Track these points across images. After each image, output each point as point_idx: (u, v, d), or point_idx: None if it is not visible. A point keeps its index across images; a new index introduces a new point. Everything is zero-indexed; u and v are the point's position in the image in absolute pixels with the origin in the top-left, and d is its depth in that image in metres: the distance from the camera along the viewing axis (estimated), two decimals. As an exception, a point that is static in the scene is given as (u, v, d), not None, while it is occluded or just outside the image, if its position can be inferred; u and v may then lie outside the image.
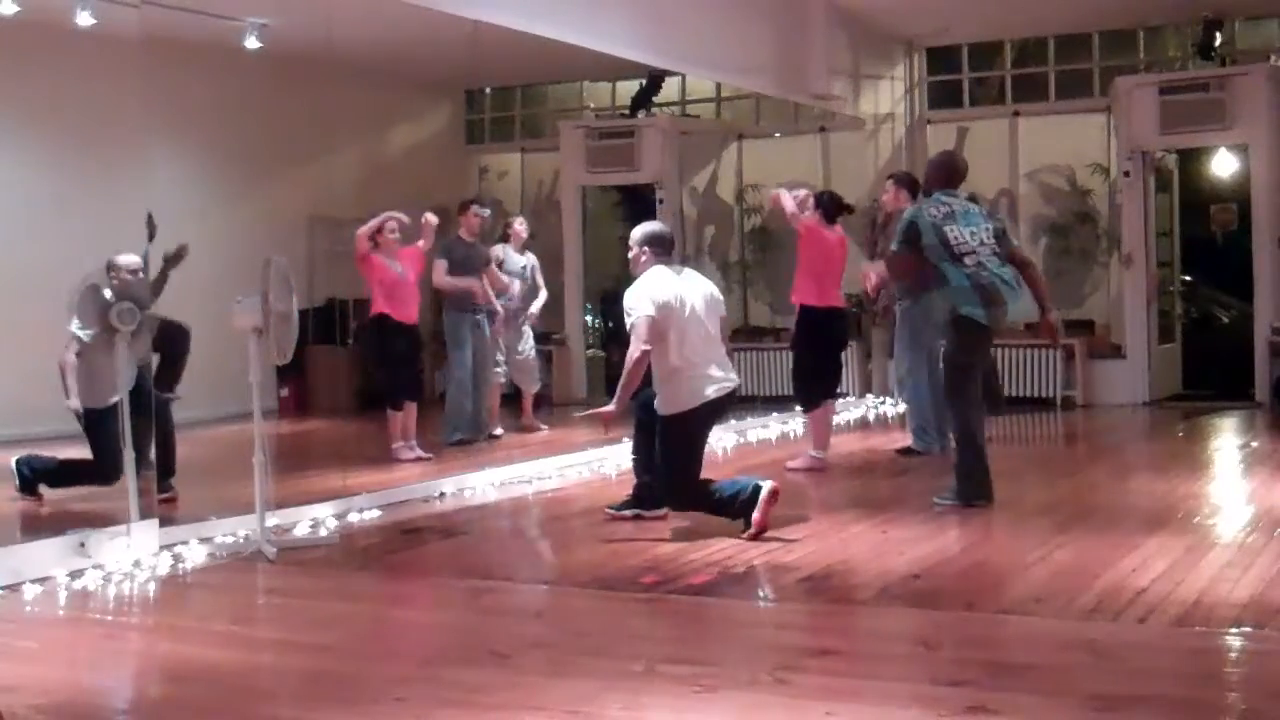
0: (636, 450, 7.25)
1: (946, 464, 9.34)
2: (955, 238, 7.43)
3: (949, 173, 7.82)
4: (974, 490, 7.46)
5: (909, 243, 7.53)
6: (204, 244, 9.66)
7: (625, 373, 6.61)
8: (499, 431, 10.84)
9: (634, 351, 6.55)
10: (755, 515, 6.49)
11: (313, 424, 9.84)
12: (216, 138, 12.10)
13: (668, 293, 6.62)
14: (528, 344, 11.31)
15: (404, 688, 4.26)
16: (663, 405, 6.70)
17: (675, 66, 12.40)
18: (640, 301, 6.59)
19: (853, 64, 13.31)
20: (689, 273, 7.00)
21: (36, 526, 7.37)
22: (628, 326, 6.68)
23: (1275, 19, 13.41)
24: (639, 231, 6.92)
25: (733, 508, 6.58)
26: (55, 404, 7.92)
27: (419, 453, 9.53)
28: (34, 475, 7.73)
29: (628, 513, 7.16)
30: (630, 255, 6.89)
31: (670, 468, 6.73)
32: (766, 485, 6.55)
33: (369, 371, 13.45)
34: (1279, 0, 12.66)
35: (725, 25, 11.36)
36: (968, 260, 7.43)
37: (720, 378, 6.72)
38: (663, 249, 6.84)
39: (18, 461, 7.74)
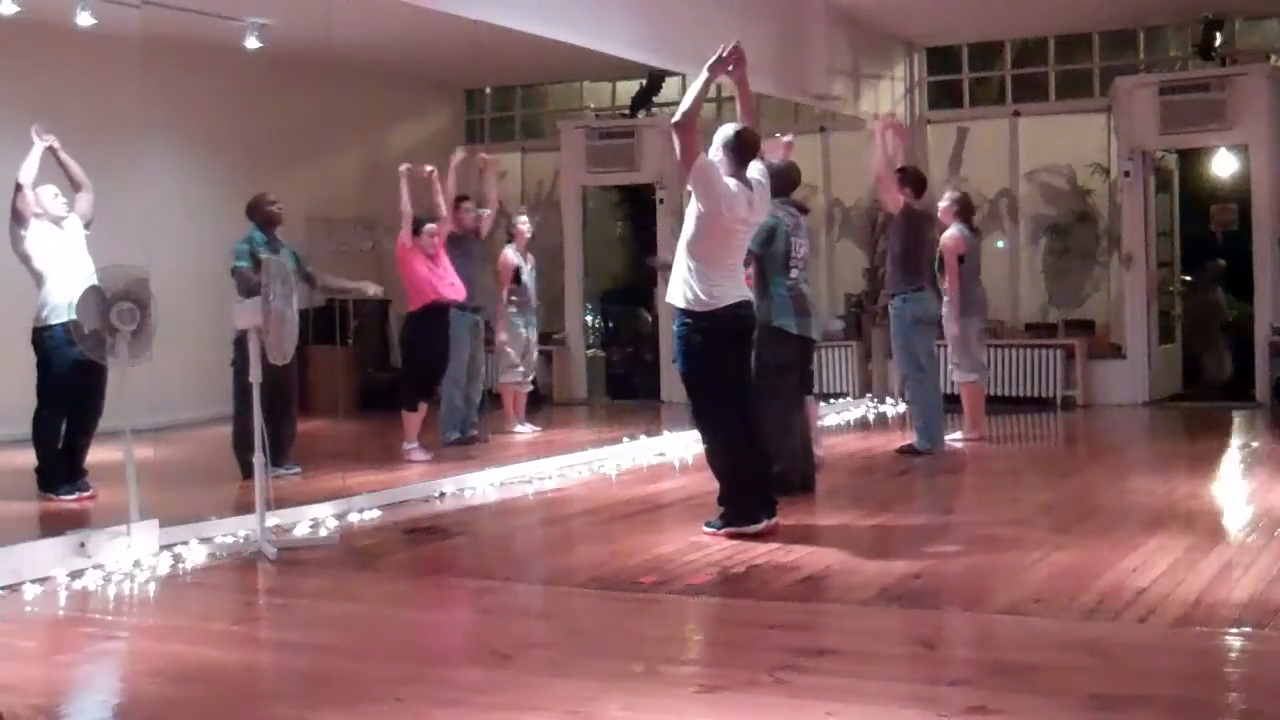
0: None
1: (946, 463, 9.38)
2: (794, 249, 7.72)
3: (791, 183, 8.03)
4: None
5: (765, 245, 7.62)
6: (203, 243, 9.67)
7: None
8: (523, 429, 10.96)
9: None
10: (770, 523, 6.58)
11: (313, 424, 9.87)
12: (216, 138, 12.09)
13: (732, 189, 6.52)
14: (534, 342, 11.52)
15: (404, 688, 4.26)
16: (679, 300, 6.57)
17: (675, 66, 12.38)
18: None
19: (853, 64, 13.30)
20: (760, 186, 6.82)
21: (37, 526, 7.37)
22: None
23: (1275, 19, 13.41)
24: (721, 135, 6.76)
25: (746, 497, 6.60)
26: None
27: (426, 454, 9.60)
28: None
29: None
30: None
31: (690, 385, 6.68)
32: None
33: (371, 370, 13.52)
34: (1279, 0, 12.66)
35: (725, 26, 11.28)
36: (793, 273, 7.72)
37: (740, 293, 6.63)
38: (741, 158, 6.69)
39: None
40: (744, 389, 6.77)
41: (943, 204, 10.15)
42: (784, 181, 7.86)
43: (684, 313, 6.61)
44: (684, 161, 6.48)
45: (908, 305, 9.63)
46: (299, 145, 12.54)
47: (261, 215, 8.95)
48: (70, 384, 7.78)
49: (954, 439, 10.07)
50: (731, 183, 6.57)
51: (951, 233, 9.93)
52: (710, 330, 6.55)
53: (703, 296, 6.53)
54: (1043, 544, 6.26)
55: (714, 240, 6.55)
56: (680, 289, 6.60)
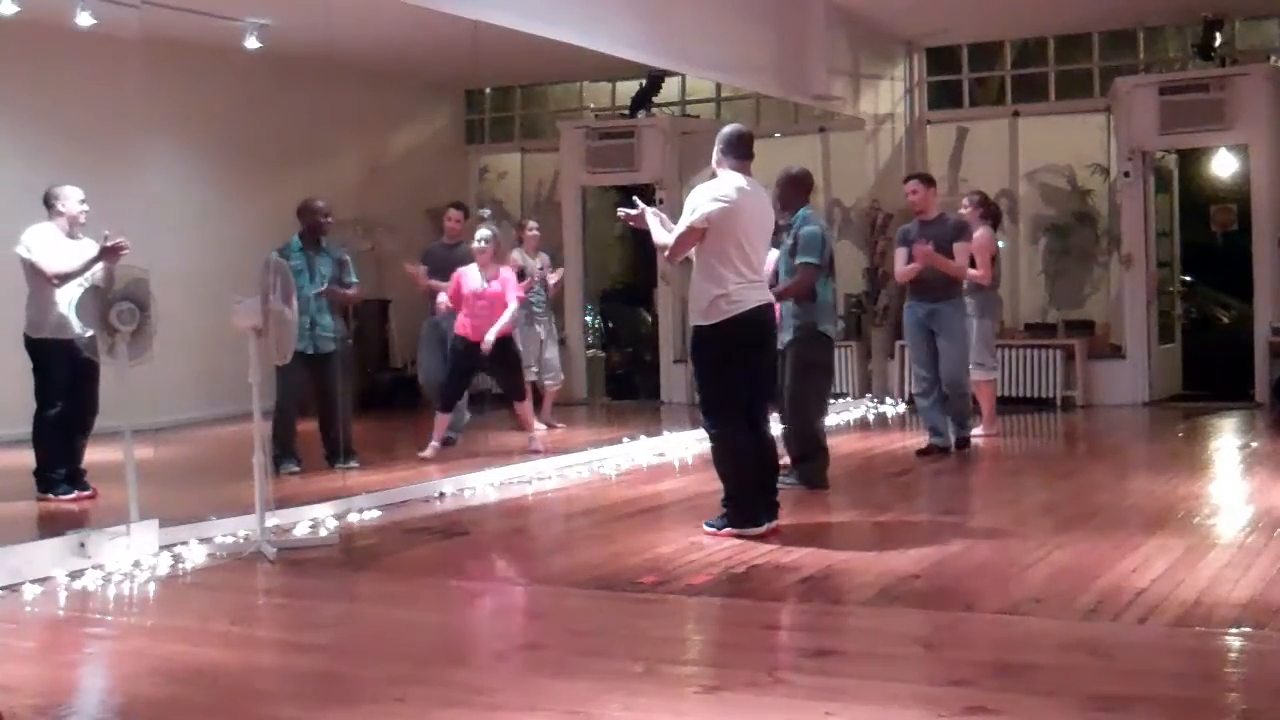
0: None
1: (948, 462, 9.37)
2: (832, 254, 7.95)
3: (809, 189, 8.17)
4: (819, 477, 8.02)
5: (821, 254, 7.79)
6: (203, 244, 9.66)
7: (674, 238, 6.55)
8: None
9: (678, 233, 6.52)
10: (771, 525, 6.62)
11: (313, 424, 9.87)
12: (216, 138, 12.09)
13: (730, 196, 6.50)
14: (552, 341, 11.55)
15: (404, 688, 4.26)
16: (699, 314, 6.58)
17: (675, 66, 12.39)
18: (699, 201, 6.50)
19: (853, 64, 13.30)
20: (758, 188, 6.79)
21: (36, 527, 7.37)
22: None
23: (1275, 19, 13.40)
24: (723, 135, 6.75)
25: (749, 500, 6.61)
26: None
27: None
28: None
29: None
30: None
31: (703, 384, 6.72)
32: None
33: (371, 370, 13.51)
34: (1279, 0, 12.66)
35: (725, 25, 11.35)
36: (831, 280, 7.99)
37: (759, 297, 6.63)
38: (738, 155, 6.68)
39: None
40: (757, 393, 6.79)
41: (967, 207, 10.22)
42: (801, 187, 7.99)
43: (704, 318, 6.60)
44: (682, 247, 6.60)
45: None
46: (299, 145, 12.55)
47: (305, 222, 9.11)
48: (69, 386, 7.82)
49: (975, 434, 10.13)
50: (731, 189, 6.56)
51: (985, 232, 10.14)
52: (728, 335, 6.54)
53: (722, 303, 6.53)
54: (1043, 544, 6.26)
55: (728, 244, 6.52)
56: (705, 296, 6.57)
